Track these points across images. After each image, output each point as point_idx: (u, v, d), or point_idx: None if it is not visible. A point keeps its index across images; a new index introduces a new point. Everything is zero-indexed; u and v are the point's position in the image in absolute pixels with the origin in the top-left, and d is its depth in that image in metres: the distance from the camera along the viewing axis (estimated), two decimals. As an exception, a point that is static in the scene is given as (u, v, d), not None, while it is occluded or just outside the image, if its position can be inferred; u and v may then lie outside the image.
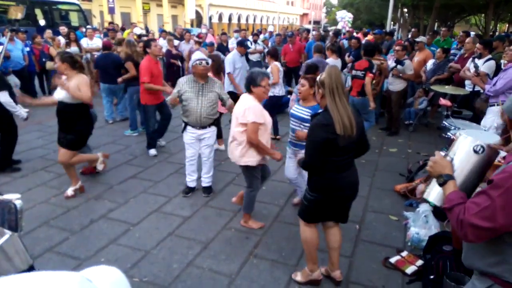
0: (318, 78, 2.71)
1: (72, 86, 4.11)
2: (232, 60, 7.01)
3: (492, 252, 1.58)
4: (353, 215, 4.12)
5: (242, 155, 3.63)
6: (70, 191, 4.52)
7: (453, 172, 1.71)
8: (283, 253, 3.53)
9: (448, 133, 4.32)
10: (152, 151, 5.98)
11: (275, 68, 6.43)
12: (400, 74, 6.81)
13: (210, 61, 4.39)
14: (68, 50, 8.40)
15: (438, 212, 3.97)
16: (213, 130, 4.50)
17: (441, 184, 1.70)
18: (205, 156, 4.55)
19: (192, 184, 4.68)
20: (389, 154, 6.15)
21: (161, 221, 4.05)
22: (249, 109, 3.48)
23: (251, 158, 3.64)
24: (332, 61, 6.87)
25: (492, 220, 1.45)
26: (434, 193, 1.80)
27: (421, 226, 3.68)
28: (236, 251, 3.54)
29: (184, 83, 4.30)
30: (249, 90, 3.62)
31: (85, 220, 4.04)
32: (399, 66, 6.85)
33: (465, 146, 1.73)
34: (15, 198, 1.19)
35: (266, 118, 3.58)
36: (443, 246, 3.14)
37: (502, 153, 1.88)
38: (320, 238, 3.03)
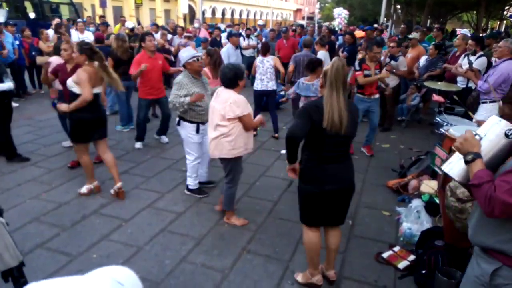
0: (324, 68, 2.70)
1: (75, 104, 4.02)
2: (226, 53, 7.00)
3: (505, 229, 1.67)
4: (346, 210, 4.15)
5: (233, 147, 3.60)
6: (83, 189, 4.42)
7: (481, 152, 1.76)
8: (277, 248, 3.53)
9: (441, 129, 4.35)
10: (137, 144, 6.05)
11: (278, 61, 6.55)
12: (394, 70, 6.83)
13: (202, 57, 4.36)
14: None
15: (430, 208, 4.00)
16: (176, 121, 4.44)
17: (468, 162, 1.72)
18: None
19: (197, 184, 4.57)
20: (382, 150, 6.17)
21: (153, 217, 4.03)
22: (234, 104, 3.46)
23: (240, 149, 3.65)
24: (322, 53, 6.92)
25: None
26: (456, 168, 1.84)
27: (413, 222, 3.70)
28: (229, 247, 3.53)
29: (188, 83, 4.13)
30: (235, 85, 3.57)
31: (77, 215, 3.99)
32: (393, 62, 6.86)
33: (497, 129, 1.76)
34: None
35: (248, 106, 3.62)
36: (435, 241, 3.16)
37: None
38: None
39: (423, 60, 7.56)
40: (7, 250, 2.17)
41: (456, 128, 3.84)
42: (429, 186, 4.26)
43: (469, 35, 7.80)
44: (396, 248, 3.48)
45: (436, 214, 3.93)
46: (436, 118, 5.31)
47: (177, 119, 4.29)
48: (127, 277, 0.65)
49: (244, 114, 3.51)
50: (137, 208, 4.19)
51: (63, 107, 4.11)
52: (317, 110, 2.53)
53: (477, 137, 1.78)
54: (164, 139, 6.36)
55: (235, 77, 3.54)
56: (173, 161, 5.53)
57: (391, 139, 6.74)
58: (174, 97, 4.09)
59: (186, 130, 4.26)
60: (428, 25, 21.11)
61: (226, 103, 3.48)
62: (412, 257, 3.32)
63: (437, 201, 3.95)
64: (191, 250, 3.47)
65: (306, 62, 5.30)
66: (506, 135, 1.73)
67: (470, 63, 5.67)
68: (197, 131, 4.25)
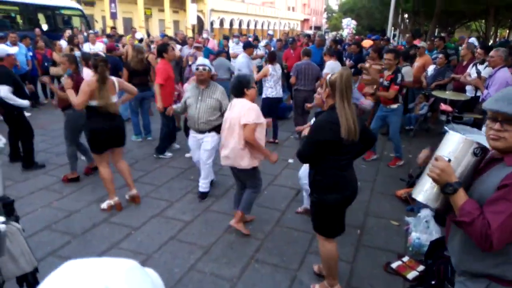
0: (328, 77, 2.71)
1: (70, 91, 4.12)
2: (246, 63, 7.18)
3: (494, 254, 1.58)
4: (354, 220, 4.16)
5: (252, 157, 3.66)
6: (104, 205, 4.37)
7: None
8: (284, 257, 3.53)
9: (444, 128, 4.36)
10: (169, 154, 6.20)
11: (265, 68, 6.68)
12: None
13: (209, 67, 4.41)
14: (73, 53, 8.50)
15: (439, 217, 3.97)
16: (212, 135, 4.44)
17: (449, 193, 1.61)
18: (203, 161, 4.53)
19: (201, 189, 4.66)
20: (390, 159, 6.15)
21: (162, 225, 4.06)
22: (251, 110, 3.52)
23: (258, 159, 3.73)
24: (331, 63, 6.98)
25: None
26: (433, 197, 1.72)
27: (422, 231, 3.68)
28: (238, 255, 3.55)
29: (188, 89, 4.42)
30: (242, 94, 3.63)
31: (87, 224, 4.05)
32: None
33: (465, 149, 1.67)
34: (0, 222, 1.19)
35: (262, 118, 3.65)
36: (444, 251, 3.14)
37: None
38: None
39: (431, 69, 7.57)
40: (23, 255, 2.22)
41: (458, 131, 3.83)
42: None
43: (476, 44, 7.80)
44: (405, 258, 3.47)
45: (445, 223, 3.90)
46: (444, 127, 5.30)
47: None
48: (153, 273, 0.69)
49: (255, 122, 3.52)
50: (146, 216, 4.24)
51: (45, 79, 4.25)
52: (330, 127, 2.56)
53: (446, 159, 1.68)
54: (176, 145, 6.49)
55: (239, 85, 3.61)
56: (181, 170, 5.58)
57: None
58: (175, 105, 4.46)
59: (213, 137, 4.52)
60: (436, 34, 21.08)
61: (243, 109, 3.52)
62: (421, 268, 3.31)
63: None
64: (200, 259, 3.49)
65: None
66: (475, 154, 1.66)
67: (479, 72, 5.68)
68: (187, 135, 4.60)
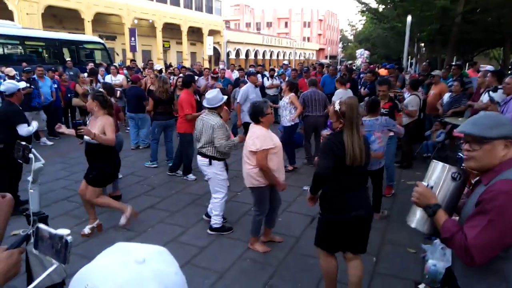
0: (337, 107, 2.84)
1: (98, 131, 4.14)
2: (246, 91, 7.31)
3: (491, 271, 1.63)
4: (370, 247, 4.07)
5: (256, 178, 3.79)
6: (87, 229, 4.44)
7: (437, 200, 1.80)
8: (299, 284, 3.51)
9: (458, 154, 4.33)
10: (191, 176, 6.46)
11: (294, 97, 6.72)
12: (403, 107, 6.87)
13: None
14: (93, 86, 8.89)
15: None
16: (206, 162, 4.37)
17: (430, 215, 1.77)
18: (211, 189, 4.55)
19: (222, 223, 4.55)
20: (407, 187, 6.09)
21: (177, 251, 4.09)
22: (257, 138, 3.68)
23: (261, 179, 3.79)
24: (341, 92, 7.14)
25: (495, 234, 1.52)
26: (425, 223, 1.87)
27: (439, 259, 3.61)
28: (251, 282, 3.54)
29: (224, 124, 4.51)
30: (257, 121, 3.78)
31: (104, 248, 4.07)
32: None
33: (443, 175, 1.83)
34: (66, 233, 1.37)
35: (275, 141, 3.77)
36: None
37: None
38: (342, 270, 3.05)
39: (446, 97, 7.58)
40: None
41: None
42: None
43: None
44: (421, 286, 3.40)
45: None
46: (459, 153, 5.26)
47: (207, 159, 4.37)
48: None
49: (264, 149, 3.66)
50: (161, 241, 4.27)
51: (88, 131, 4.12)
52: (340, 146, 2.73)
53: (428, 187, 1.83)
54: (192, 176, 6.50)
55: (254, 114, 3.79)
56: (197, 197, 5.65)
57: (417, 176, 6.65)
58: (225, 141, 4.25)
59: (217, 169, 4.39)
60: (454, 62, 21.08)
61: (252, 136, 3.74)
62: (438, 296, 3.23)
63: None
64: (214, 284, 3.50)
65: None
66: (453, 178, 1.80)
67: (492, 99, 5.66)
68: (226, 168, 4.57)
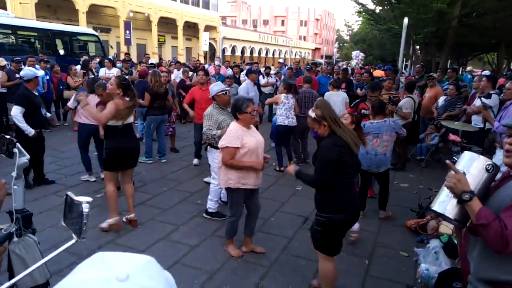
0: (313, 114, 2.89)
1: (90, 105, 4.20)
2: (245, 88, 7.29)
3: (510, 260, 1.70)
4: (362, 250, 4.09)
5: (225, 178, 3.67)
6: (104, 224, 4.35)
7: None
8: (290, 285, 3.47)
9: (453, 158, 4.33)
10: (195, 161, 6.98)
11: (277, 97, 6.90)
12: (397, 110, 6.90)
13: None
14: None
15: (449, 249, 3.89)
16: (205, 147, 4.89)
17: (465, 201, 1.76)
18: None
19: (217, 208, 4.84)
20: (400, 189, 6.09)
21: (168, 249, 4.04)
22: (226, 135, 3.63)
23: (231, 181, 3.64)
24: (331, 93, 7.28)
25: None
26: (450, 207, 1.87)
27: (432, 263, 3.60)
28: (243, 282, 3.50)
29: (217, 114, 4.56)
30: (236, 117, 3.72)
31: (93, 245, 4.04)
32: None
33: (478, 165, 1.86)
34: (85, 201, 1.19)
35: (246, 141, 3.55)
36: (453, 283, 3.06)
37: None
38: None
39: (441, 100, 7.59)
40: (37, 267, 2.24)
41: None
42: (448, 226, 4.16)
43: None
44: (414, 290, 3.38)
45: (455, 256, 3.81)
46: (454, 157, 5.26)
47: (205, 145, 4.84)
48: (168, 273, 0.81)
49: (227, 146, 3.53)
50: (152, 239, 4.22)
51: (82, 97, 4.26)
52: (338, 148, 2.76)
53: (462, 171, 1.85)
54: (195, 160, 7.01)
55: (233, 109, 3.73)
56: (189, 194, 5.58)
57: (410, 179, 6.66)
58: (207, 129, 4.56)
59: (212, 156, 4.68)
60: (448, 65, 21.18)
61: (226, 132, 3.73)
62: (430, 300, 3.21)
63: (456, 242, 3.85)
64: (204, 284, 3.44)
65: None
66: (487, 170, 1.83)
67: (485, 104, 5.67)
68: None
